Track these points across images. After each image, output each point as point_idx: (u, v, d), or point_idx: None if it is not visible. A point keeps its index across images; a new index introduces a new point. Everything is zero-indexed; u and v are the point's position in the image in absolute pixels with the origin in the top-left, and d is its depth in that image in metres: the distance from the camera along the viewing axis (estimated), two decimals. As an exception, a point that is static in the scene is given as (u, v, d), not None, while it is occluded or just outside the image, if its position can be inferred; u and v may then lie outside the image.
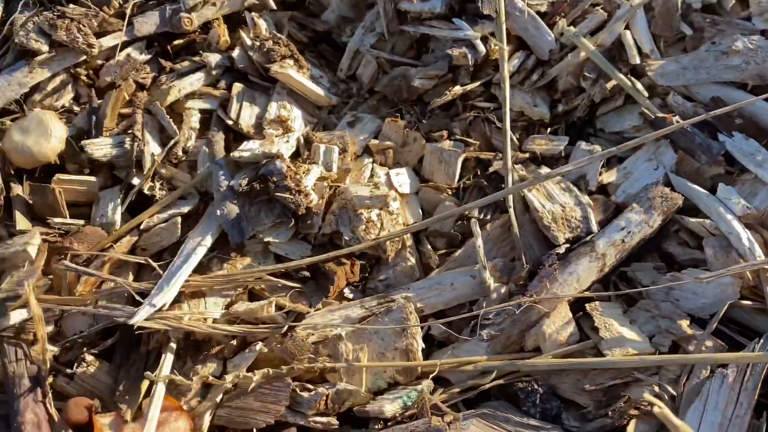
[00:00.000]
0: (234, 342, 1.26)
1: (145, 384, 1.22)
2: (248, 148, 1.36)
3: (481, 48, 1.45)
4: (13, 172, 1.34)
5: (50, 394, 1.19)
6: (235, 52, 1.51)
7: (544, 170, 1.40)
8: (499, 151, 1.44)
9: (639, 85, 1.43)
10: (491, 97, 1.50)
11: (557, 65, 1.46)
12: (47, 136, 1.32)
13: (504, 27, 1.44)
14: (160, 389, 1.16)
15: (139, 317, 1.18)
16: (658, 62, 1.45)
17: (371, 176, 1.39)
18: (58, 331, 1.27)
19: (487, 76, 1.50)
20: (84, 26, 1.42)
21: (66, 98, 1.43)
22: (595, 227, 1.31)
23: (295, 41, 1.59)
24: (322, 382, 1.26)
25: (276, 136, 1.40)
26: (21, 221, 1.29)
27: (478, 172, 1.43)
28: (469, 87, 1.47)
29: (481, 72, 1.50)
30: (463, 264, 1.34)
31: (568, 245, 1.30)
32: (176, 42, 1.53)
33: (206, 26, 1.54)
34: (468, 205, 1.34)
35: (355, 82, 1.58)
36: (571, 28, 1.46)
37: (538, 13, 1.48)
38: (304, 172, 1.32)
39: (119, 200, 1.34)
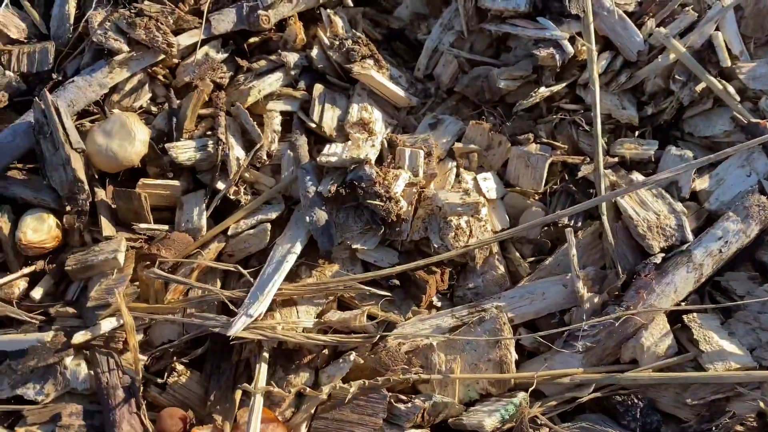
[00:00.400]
0: (325, 351, 1.25)
1: (237, 394, 1.20)
2: (334, 153, 1.33)
3: (569, 49, 1.41)
4: (96, 176, 1.31)
5: (144, 405, 1.18)
6: (314, 52, 1.47)
7: (635, 175, 1.37)
8: (586, 155, 1.41)
9: (730, 89, 1.40)
10: (576, 99, 1.47)
11: (646, 67, 1.43)
12: (131, 139, 1.29)
13: (592, 27, 1.40)
14: (259, 401, 1.14)
15: (237, 328, 1.16)
16: (749, 65, 1.42)
17: (459, 181, 1.36)
18: (146, 339, 1.25)
19: (571, 77, 1.46)
20: (162, 24, 1.38)
21: (144, 98, 1.40)
22: (690, 236, 1.28)
23: (370, 39, 1.55)
24: (412, 392, 1.24)
25: (360, 136, 1.37)
26: (107, 227, 1.26)
27: (566, 177, 1.40)
28: (555, 88, 1.43)
29: (566, 73, 1.46)
30: (553, 272, 1.31)
31: (663, 254, 1.28)
32: (252, 40, 1.49)
33: (281, 24, 1.51)
34: (560, 213, 1.31)
35: (432, 81, 1.55)
36: (661, 29, 1.42)
37: (626, 12, 1.44)
38: (393, 178, 1.29)
39: (204, 205, 1.31)
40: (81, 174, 1.23)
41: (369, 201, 1.26)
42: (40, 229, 1.23)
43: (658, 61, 1.41)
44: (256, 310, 1.18)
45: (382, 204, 1.26)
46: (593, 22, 1.40)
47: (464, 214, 1.28)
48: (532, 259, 1.34)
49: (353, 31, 1.50)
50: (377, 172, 1.28)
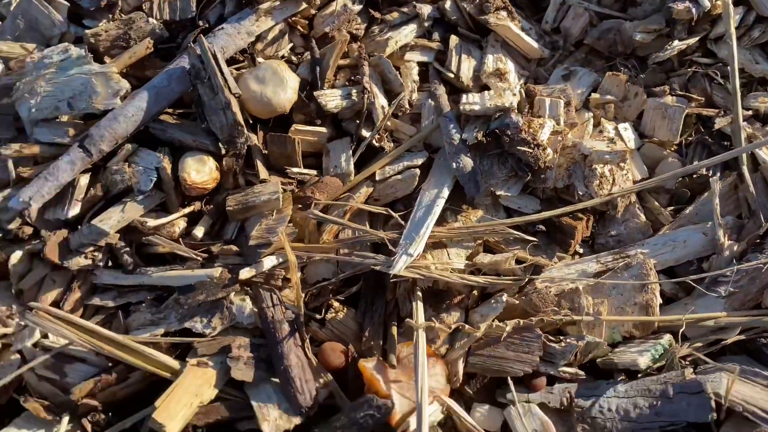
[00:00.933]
0: (475, 292, 1.28)
1: (393, 329, 1.24)
2: (476, 101, 1.36)
3: (705, 2, 1.42)
4: (251, 122, 1.34)
5: (307, 339, 1.22)
6: (447, 4, 1.49)
7: (769, 128, 1.39)
8: (720, 108, 1.42)
9: None
10: (707, 53, 1.48)
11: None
12: (283, 86, 1.32)
13: (728, -20, 1.41)
14: (422, 336, 1.18)
15: (399, 267, 1.20)
16: None
17: (600, 131, 1.38)
18: (302, 278, 1.29)
19: (703, 31, 1.47)
20: (305, -26, 1.41)
21: (285, 48, 1.43)
22: (833, 186, 1.31)
23: (495, -7, 1.57)
24: (556, 334, 1.28)
25: (501, 84, 1.39)
26: (262, 170, 1.30)
27: (701, 129, 1.42)
28: (688, 42, 1.45)
29: (697, 27, 1.47)
30: (692, 221, 1.34)
31: (806, 203, 1.30)
32: (383, -10, 1.51)
33: (411, -25, 1.53)
34: (701, 163, 1.33)
35: (558, 34, 1.56)
36: (798, -18, 1.43)
37: (762, -35, 1.45)
38: (538, 126, 1.31)
39: (350, 151, 1.35)
40: (240, 118, 1.26)
41: (518, 148, 1.29)
42: (201, 171, 1.27)
43: (798, 11, 1.42)
44: (414, 249, 1.22)
45: (530, 151, 1.29)
46: (728, -25, 1.41)
47: (611, 162, 1.31)
48: (671, 208, 1.37)
49: (487, -17, 1.51)
50: (524, 120, 1.31)
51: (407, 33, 1.47)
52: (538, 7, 1.61)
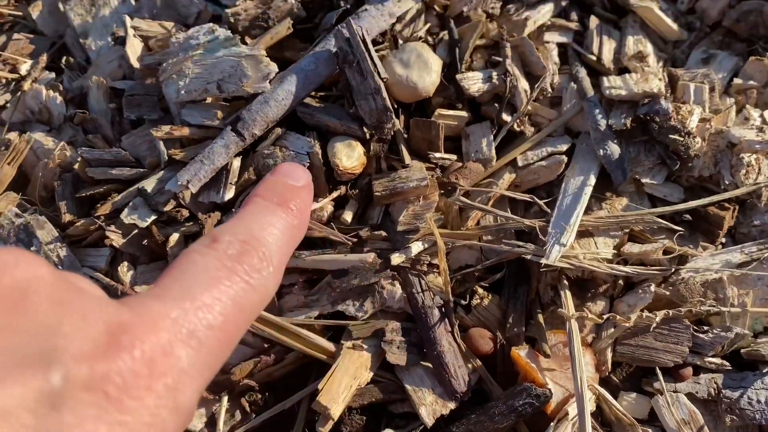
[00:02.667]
0: (620, 282, 1.29)
1: (539, 317, 1.26)
2: (621, 86, 1.34)
3: None
4: (395, 106, 1.34)
5: (456, 325, 1.24)
6: (585, -18, 1.46)
7: None
8: None
9: None
10: None
11: None
12: (428, 69, 1.31)
13: None
14: (575, 326, 1.20)
15: (554, 257, 1.20)
16: None
17: (746, 118, 1.36)
18: (448, 264, 1.30)
19: None
20: (444, -47, 1.38)
21: (422, 28, 1.41)
22: None
23: (626, -31, 1.53)
24: (698, 323, 1.29)
25: (645, 67, 1.37)
26: (406, 156, 1.30)
27: None
28: (839, 24, 1.40)
29: None
30: (839, 212, 1.32)
31: None
32: (517, -31, 1.48)
33: (544, -48, 1.49)
34: None
35: (694, 14, 1.52)
36: None
37: None
38: (687, 113, 1.29)
39: (492, 136, 1.34)
40: (389, 103, 1.26)
41: (669, 136, 1.27)
42: (351, 156, 1.27)
43: None
44: (567, 239, 1.23)
45: (681, 139, 1.27)
46: None
47: (761, 151, 1.29)
48: (816, 198, 1.35)
49: (627, -39, 1.47)
50: (672, 106, 1.29)
51: (545, 12, 1.44)
52: (671, -16, 1.57)
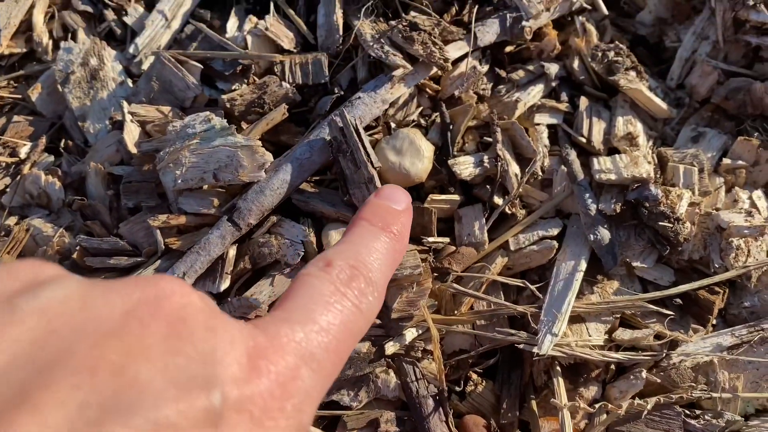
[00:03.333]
0: (612, 367, 1.30)
1: (532, 404, 1.27)
2: (610, 169, 1.36)
3: None
4: (388, 192, 1.36)
5: (450, 414, 1.26)
6: (575, 63, 1.48)
7: None
8: None
9: None
10: (841, 114, 1.46)
11: None
12: (420, 156, 1.33)
13: None
14: (567, 416, 1.21)
15: (545, 348, 1.22)
16: None
17: (734, 200, 1.38)
18: (441, 349, 1.32)
19: (838, 92, 1.44)
20: (436, 38, 1.40)
21: (415, 111, 1.44)
22: None
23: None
24: (689, 406, 1.30)
25: (634, 152, 1.39)
26: (401, 241, 1.32)
27: (836, 196, 1.41)
28: (824, 105, 1.42)
29: (832, 88, 1.45)
30: (828, 293, 1.34)
31: None
32: (508, 49, 1.51)
33: (534, 32, 1.52)
34: (842, 236, 1.33)
35: (682, 90, 1.55)
36: None
37: None
38: (676, 198, 1.31)
39: (483, 219, 1.36)
40: (382, 192, 1.28)
41: (658, 222, 1.29)
42: (345, 244, 1.29)
43: None
44: (558, 329, 1.24)
45: (670, 225, 1.29)
46: None
47: (749, 236, 1.31)
48: (806, 279, 1.36)
49: (615, 42, 1.50)
50: (662, 192, 1.31)
51: (535, 93, 1.46)
52: (659, 59, 1.60)
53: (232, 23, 1.53)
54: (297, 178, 1.32)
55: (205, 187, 1.33)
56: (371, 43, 1.41)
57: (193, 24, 1.54)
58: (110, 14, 1.59)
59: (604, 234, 1.32)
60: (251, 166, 1.30)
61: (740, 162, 1.42)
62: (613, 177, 1.34)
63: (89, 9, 1.61)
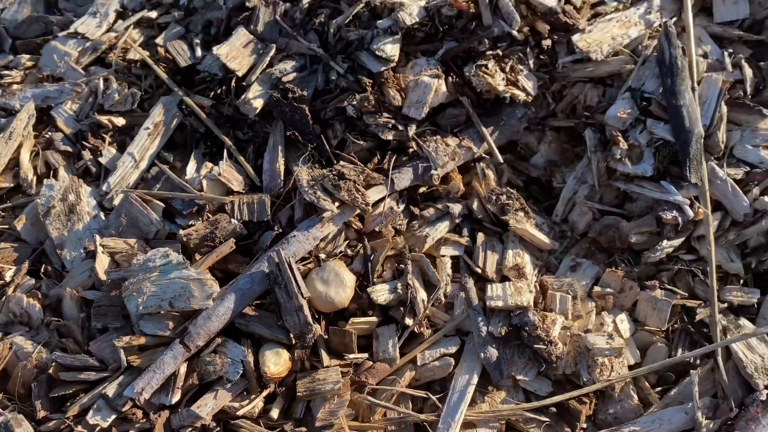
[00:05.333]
0: (499, 465, 1.58)
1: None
2: (499, 296, 1.66)
3: (689, 212, 1.72)
4: (316, 316, 1.64)
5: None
6: (474, 204, 1.80)
7: (742, 320, 1.69)
8: (702, 300, 1.72)
9: (823, 249, 1.70)
10: (691, 249, 1.78)
11: (751, 227, 1.73)
12: (344, 286, 1.62)
13: (708, 194, 1.72)
14: None
15: (440, 452, 1.49)
16: (838, 228, 1.72)
17: (601, 323, 1.68)
18: (358, 452, 1.58)
19: (688, 230, 1.77)
20: (359, 185, 1.71)
21: (342, 244, 1.73)
22: (789, 377, 1.60)
23: (512, 185, 1.88)
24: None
25: (518, 283, 1.69)
26: (326, 358, 1.60)
27: (684, 318, 1.72)
28: (676, 243, 1.75)
29: (684, 227, 1.77)
30: (676, 400, 1.63)
31: (767, 391, 1.59)
32: (421, 191, 1.82)
33: (443, 176, 1.83)
34: (685, 355, 1.63)
35: (566, 224, 1.87)
36: (764, 197, 1.72)
37: (735, 180, 1.75)
38: (551, 323, 1.61)
39: (396, 338, 1.64)
40: (310, 319, 1.56)
41: (535, 345, 1.59)
42: (278, 363, 1.56)
43: (761, 224, 1.72)
44: (451, 435, 1.52)
45: (544, 347, 1.58)
46: (708, 188, 1.72)
47: (609, 356, 1.60)
48: (659, 389, 1.66)
49: (507, 188, 1.82)
50: (539, 318, 1.61)
51: (441, 229, 1.77)
52: (550, 195, 1.92)
53: (191, 166, 1.82)
54: (239, 306, 1.60)
55: (162, 312, 1.60)
56: (306, 189, 1.71)
57: (158, 165, 1.83)
58: (87, 154, 1.87)
59: (493, 352, 1.61)
60: (201, 296, 1.57)
61: (609, 289, 1.73)
62: (500, 304, 1.64)
63: (69, 149, 1.89)
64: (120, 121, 1.92)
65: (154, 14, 2.14)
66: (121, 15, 2.17)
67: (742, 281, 1.75)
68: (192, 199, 1.75)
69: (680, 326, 1.71)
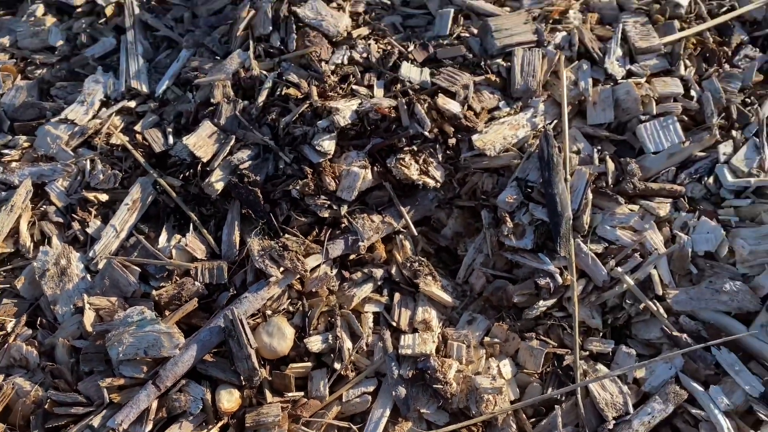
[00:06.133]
0: (404, 480, 2.00)
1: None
2: (409, 346, 2.09)
3: (559, 279, 2.19)
4: (262, 361, 2.06)
5: None
6: (393, 269, 2.24)
7: (598, 365, 2.15)
8: (569, 348, 2.18)
9: (661, 309, 2.18)
10: (562, 307, 2.25)
11: (608, 291, 2.21)
12: (285, 338, 2.04)
13: (574, 264, 2.19)
14: None
15: (356, 469, 1.91)
16: (674, 292, 2.20)
17: (488, 367, 2.13)
18: (294, 470, 1.99)
19: (560, 292, 2.24)
20: (300, 255, 2.15)
21: (285, 303, 2.16)
22: (631, 410, 2.06)
23: (425, 253, 2.33)
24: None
25: (425, 335, 2.13)
26: (269, 396, 2.01)
27: (555, 363, 2.18)
28: (549, 303, 2.21)
29: (557, 290, 2.24)
30: (546, 429, 2.08)
31: (614, 422, 2.05)
32: (351, 257, 2.26)
33: (370, 246, 2.28)
34: (554, 392, 2.09)
35: (467, 285, 2.32)
36: (618, 268, 2.21)
37: (596, 254, 2.23)
38: (447, 367, 2.06)
39: (326, 380, 2.07)
40: (257, 365, 1.98)
41: (435, 385, 2.03)
42: (231, 400, 1.97)
43: (615, 290, 2.20)
44: (366, 457, 1.94)
45: (442, 387, 2.02)
46: (575, 260, 2.19)
47: (492, 393, 2.05)
48: (533, 419, 2.11)
49: (419, 256, 2.27)
50: (438, 363, 2.05)
51: (366, 289, 2.21)
52: (456, 260, 2.38)
53: (163, 237, 2.24)
54: (200, 353, 2.01)
55: (138, 358, 2.00)
56: (257, 257, 2.14)
57: (135, 236, 2.24)
58: (76, 225, 2.27)
59: (402, 391, 2.04)
60: (169, 346, 1.98)
61: (496, 339, 2.19)
62: (410, 352, 2.08)
63: (61, 220, 2.29)
64: (104, 197, 2.32)
65: (133, 104, 2.56)
66: (105, 104, 2.58)
67: (601, 334, 2.22)
68: (163, 265, 2.16)
69: (551, 369, 2.17)
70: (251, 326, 2.06)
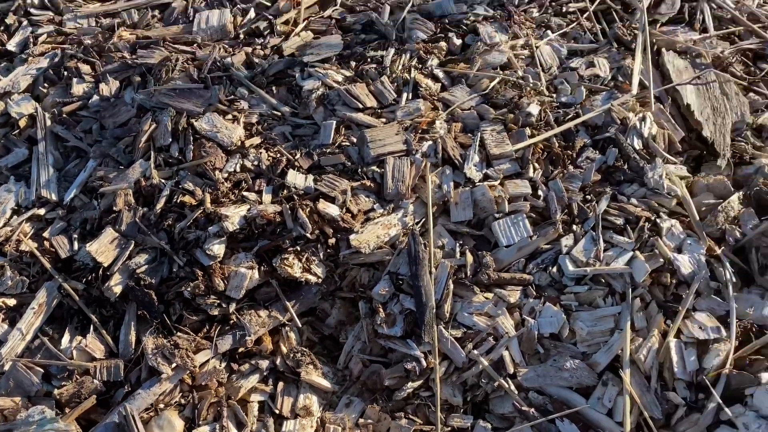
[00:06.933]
0: None
1: None
2: (290, 431, 2.35)
3: (424, 363, 2.49)
4: (154, 452, 2.28)
5: None
6: (278, 360, 2.51)
7: (459, 439, 2.45)
8: (433, 425, 2.47)
9: (512, 386, 2.50)
10: (428, 388, 2.54)
11: (467, 371, 2.51)
12: (174, 430, 2.28)
13: (437, 348, 2.50)
14: None
15: None
16: (524, 370, 2.53)
17: (361, 447, 2.40)
18: None
19: (425, 374, 2.54)
20: (190, 351, 2.39)
21: (177, 396, 2.39)
22: (486, 479, 2.35)
23: (311, 341, 2.61)
24: None
25: (304, 420, 2.39)
26: (160, 483, 2.23)
27: (422, 439, 2.46)
28: (416, 384, 2.50)
29: (422, 372, 2.54)
30: (413, 499, 2.35)
31: (471, 490, 2.34)
32: (241, 350, 2.52)
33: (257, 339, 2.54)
34: (416, 467, 2.37)
35: (347, 370, 2.60)
36: (475, 350, 2.52)
37: (456, 338, 2.54)
38: (325, 449, 2.32)
39: (214, 465, 2.30)
40: (148, 456, 2.20)
41: (309, 466, 2.28)
42: (123, 490, 2.18)
43: (473, 370, 2.51)
44: None
45: (317, 468, 2.28)
46: (438, 345, 2.50)
47: (361, 471, 2.32)
48: (401, 492, 2.38)
49: (302, 347, 2.54)
50: (315, 447, 2.31)
51: (252, 380, 2.46)
52: (339, 347, 2.65)
53: (65, 338, 2.46)
54: (97, 449, 2.22)
55: (39, 455, 2.20)
56: (150, 355, 2.38)
57: (40, 338, 2.46)
58: (-16, 330, 2.47)
59: (282, 473, 2.29)
60: (68, 443, 2.19)
61: (369, 420, 2.46)
62: (290, 435, 2.34)
63: (-31, 324, 2.49)
64: (12, 302, 2.54)
65: (42, 211, 2.79)
66: (17, 211, 2.81)
67: (462, 410, 2.52)
68: (65, 365, 2.38)
69: (419, 444, 2.45)
70: (144, 420, 2.29)
